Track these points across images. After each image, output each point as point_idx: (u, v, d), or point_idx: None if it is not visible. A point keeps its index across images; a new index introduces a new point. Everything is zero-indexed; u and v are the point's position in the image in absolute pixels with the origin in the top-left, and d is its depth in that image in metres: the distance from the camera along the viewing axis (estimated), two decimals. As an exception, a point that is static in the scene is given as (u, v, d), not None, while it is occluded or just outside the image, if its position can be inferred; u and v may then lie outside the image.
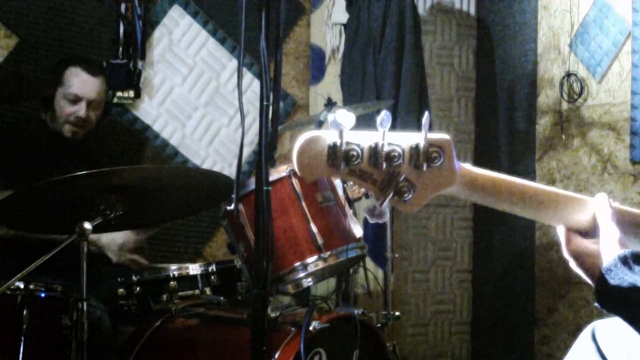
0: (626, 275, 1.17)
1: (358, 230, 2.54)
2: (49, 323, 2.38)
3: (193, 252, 3.92)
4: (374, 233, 3.52)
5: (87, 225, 2.24)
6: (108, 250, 2.96)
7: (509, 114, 3.90)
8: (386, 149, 1.11)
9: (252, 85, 4.01)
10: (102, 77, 3.11)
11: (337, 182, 2.59)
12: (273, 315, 2.36)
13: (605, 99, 3.37)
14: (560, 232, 1.27)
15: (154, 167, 3.24)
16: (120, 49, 3.71)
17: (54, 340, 2.38)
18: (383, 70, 3.63)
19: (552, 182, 3.59)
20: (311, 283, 2.67)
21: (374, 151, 1.11)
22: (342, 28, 4.02)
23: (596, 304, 1.23)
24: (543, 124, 3.69)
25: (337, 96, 3.82)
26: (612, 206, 1.25)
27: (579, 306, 3.47)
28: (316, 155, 1.10)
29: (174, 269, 2.76)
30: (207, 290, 2.74)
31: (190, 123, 3.95)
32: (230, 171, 3.79)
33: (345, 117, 1.08)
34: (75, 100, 3.02)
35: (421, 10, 3.97)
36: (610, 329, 1.52)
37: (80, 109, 3.02)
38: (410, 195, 1.14)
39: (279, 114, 2.38)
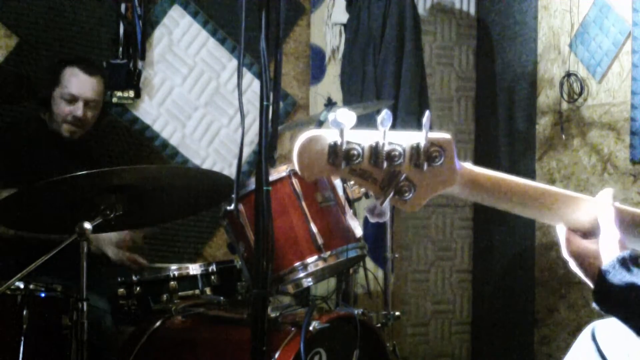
0: (624, 277, 1.17)
1: (358, 230, 2.54)
2: (49, 323, 2.38)
3: (193, 252, 3.92)
4: (374, 233, 3.52)
5: (87, 225, 2.24)
6: (105, 246, 2.96)
7: (509, 114, 3.90)
8: (387, 148, 1.11)
9: (252, 85, 4.01)
10: (99, 76, 3.12)
11: (337, 182, 2.59)
12: (273, 315, 2.36)
13: (605, 99, 3.37)
14: (560, 232, 1.27)
15: (154, 167, 3.24)
16: (120, 49, 3.71)
17: (54, 340, 2.38)
18: (383, 70, 3.63)
19: (552, 182, 3.59)
20: (311, 283, 2.67)
21: (375, 150, 1.11)
22: (342, 28, 4.01)
23: (594, 305, 1.23)
24: (543, 124, 3.69)
25: (337, 96, 3.82)
26: (615, 205, 1.25)
27: (579, 306, 3.47)
28: (317, 154, 1.10)
29: (174, 269, 2.76)
30: (207, 290, 2.74)
31: (190, 123, 3.95)
32: (230, 171, 3.79)
33: (345, 116, 1.07)
34: (73, 100, 3.03)
35: (421, 10, 3.97)
36: (610, 329, 1.52)
37: (78, 109, 3.03)
38: (411, 195, 1.14)
39: (279, 114, 2.38)
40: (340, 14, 4.01)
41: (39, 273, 2.32)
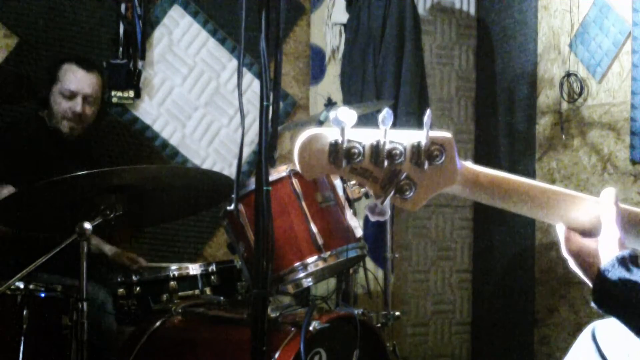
0: (624, 276, 1.17)
1: (358, 230, 2.54)
2: (49, 323, 2.38)
3: (193, 252, 3.92)
4: (374, 233, 3.52)
5: (87, 225, 2.24)
6: (102, 244, 2.96)
7: (508, 114, 3.90)
8: (388, 146, 1.11)
9: (252, 85, 4.01)
10: (96, 72, 3.13)
11: (337, 182, 2.59)
12: (273, 315, 2.36)
13: (605, 99, 3.37)
14: (560, 231, 1.27)
15: (154, 167, 3.24)
16: (120, 49, 3.71)
17: (54, 340, 2.38)
18: (383, 70, 3.63)
19: (552, 182, 3.58)
20: (311, 283, 2.66)
21: (376, 149, 1.11)
22: (342, 28, 4.01)
23: (593, 304, 1.22)
24: (543, 124, 3.69)
25: (337, 96, 3.82)
26: (617, 205, 1.25)
27: (579, 306, 3.47)
28: (318, 152, 1.10)
29: (174, 269, 2.76)
30: (207, 290, 2.74)
31: (190, 123, 3.95)
32: (230, 171, 3.79)
33: (346, 114, 1.07)
34: (71, 96, 3.05)
35: (421, 10, 3.97)
36: (610, 329, 1.52)
37: (76, 105, 3.05)
38: (412, 193, 1.14)
39: (279, 114, 2.38)
40: (340, 14, 4.01)
41: (39, 273, 2.32)
